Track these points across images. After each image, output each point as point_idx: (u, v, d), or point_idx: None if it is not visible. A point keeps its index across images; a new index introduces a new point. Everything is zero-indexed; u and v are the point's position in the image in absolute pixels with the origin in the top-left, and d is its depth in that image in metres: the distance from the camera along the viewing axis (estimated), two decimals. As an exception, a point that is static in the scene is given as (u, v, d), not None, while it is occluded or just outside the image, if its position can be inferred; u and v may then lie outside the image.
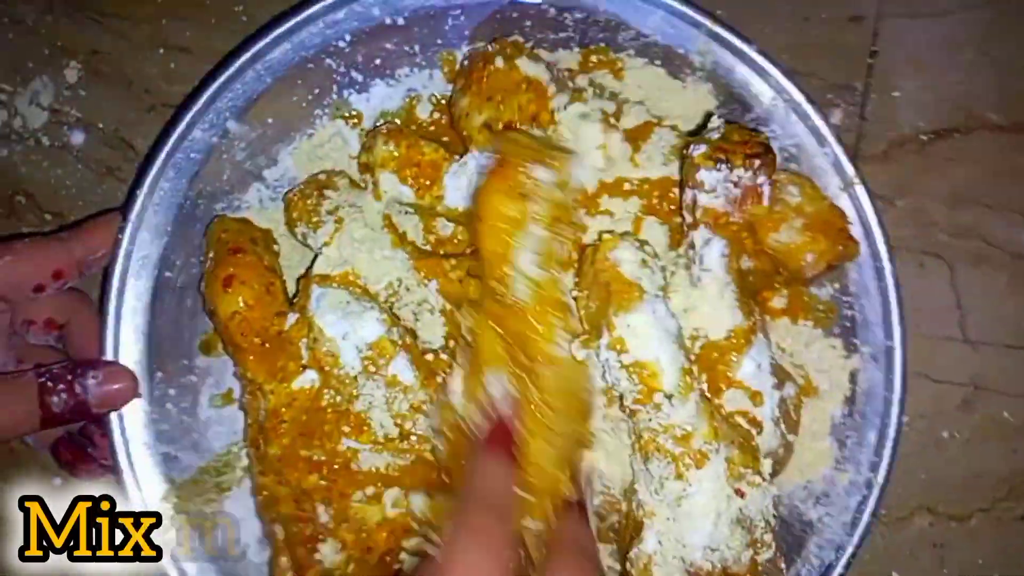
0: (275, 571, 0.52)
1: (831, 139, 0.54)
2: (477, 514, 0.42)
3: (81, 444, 0.54)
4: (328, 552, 0.50)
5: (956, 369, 0.62)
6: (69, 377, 0.49)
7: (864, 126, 0.62)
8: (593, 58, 0.55)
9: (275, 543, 0.52)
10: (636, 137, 0.52)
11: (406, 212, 0.55)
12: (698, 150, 0.48)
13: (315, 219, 0.53)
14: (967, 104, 0.62)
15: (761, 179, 0.48)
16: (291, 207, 0.54)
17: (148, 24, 0.63)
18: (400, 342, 0.51)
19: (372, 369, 0.50)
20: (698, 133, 0.54)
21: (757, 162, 0.48)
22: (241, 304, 0.50)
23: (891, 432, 0.53)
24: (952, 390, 0.62)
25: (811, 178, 0.53)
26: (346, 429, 0.50)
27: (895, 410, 0.53)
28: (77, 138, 0.62)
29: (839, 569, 0.53)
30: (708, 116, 0.54)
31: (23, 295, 0.51)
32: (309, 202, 0.53)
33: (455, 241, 0.55)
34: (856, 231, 0.53)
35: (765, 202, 0.48)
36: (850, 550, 0.53)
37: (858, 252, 0.53)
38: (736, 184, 0.48)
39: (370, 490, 0.50)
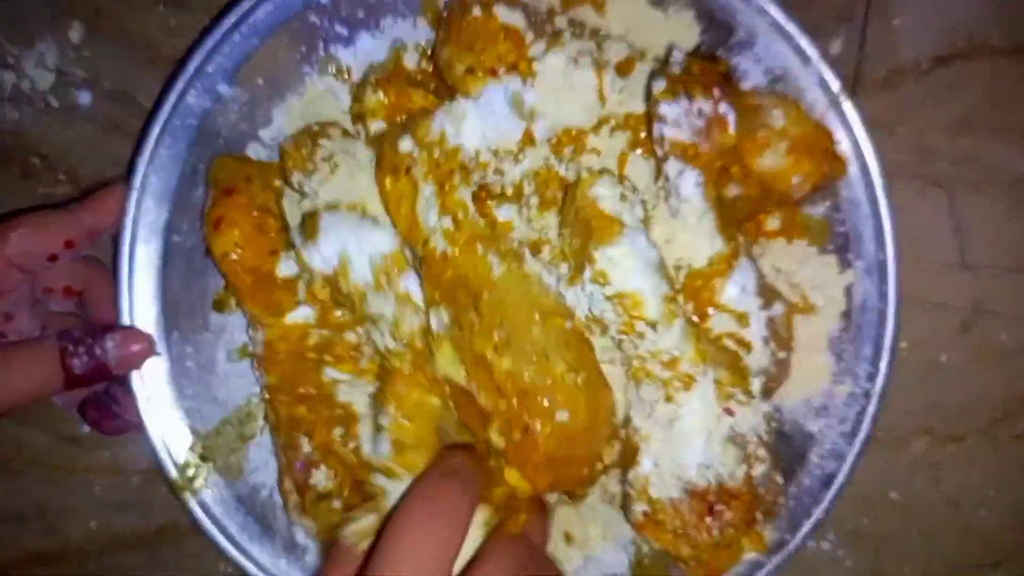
0: (281, 492, 0.56)
1: (816, 58, 0.53)
2: (434, 481, 0.44)
3: (106, 403, 0.57)
4: (320, 478, 0.53)
5: (955, 294, 0.63)
6: (89, 341, 0.52)
7: (864, 55, 0.62)
8: None
9: (280, 466, 0.55)
10: (619, 72, 0.52)
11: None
12: (658, 84, 0.49)
13: (310, 167, 0.54)
14: (968, 29, 0.61)
15: (724, 108, 0.48)
16: (285, 156, 0.55)
17: (145, -20, 0.63)
18: (410, 261, 0.52)
19: (384, 282, 0.51)
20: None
21: (717, 91, 0.48)
22: (231, 245, 0.52)
23: (887, 343, 0.54)
24: (951, 314, 0.63)
25: (796, 100, 0.53)
26: (329, 358, 0.52)
27: (890, 321, 0.54)
28: (84, 98, 0.64)
29: (840, 478, 0.54)
30: (670, 48, 0.53)
31: (38, 265, 0.53)
32: (304, 151, 0.54)
33: None
34: (845, 149, 0.53)
35: (731, 130, 0.48)
36: (850, 459, 0.54)
37: (846, 171, 0.53)
38: (699, 115, 0.48)
39: (340, 430, 0.53)
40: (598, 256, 0.47)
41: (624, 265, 0.47)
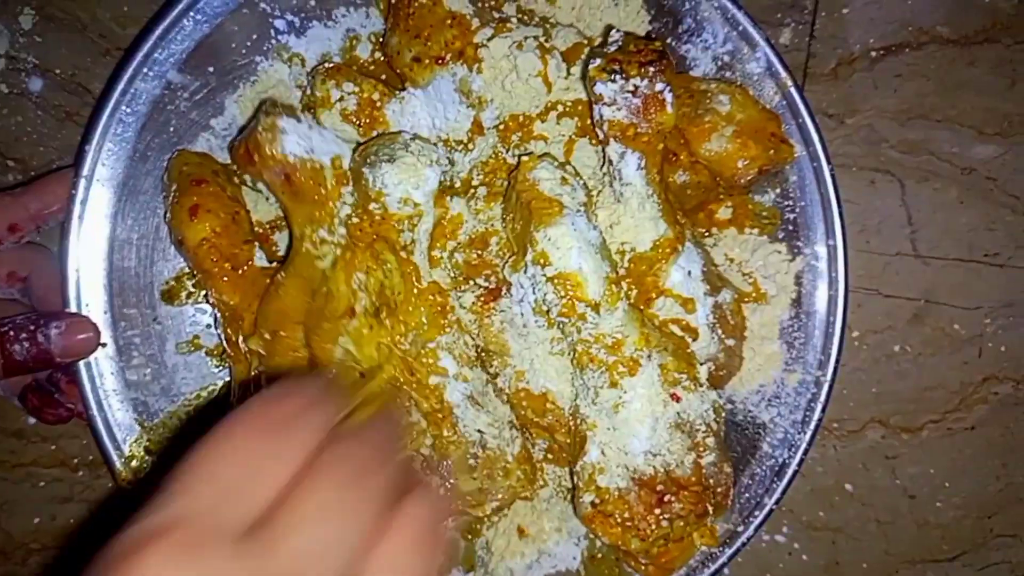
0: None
1: (764, 45, 0.54)
2: (285, 395, 0.32)
3: (48, 391, 0.56)
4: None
5: (907, 284, 0.63)
6: (32, 327, 0.51)
7: (813, 44, 0.62)
8: None
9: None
10: (567, 60, 0.52)
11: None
12: (594, 63, 0.49)
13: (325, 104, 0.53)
14: (916, 19, 0.62)
15: (660, 86, 0.48)
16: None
17: (99, -32, 0.63)
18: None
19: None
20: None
21: (652, 69, 0.48)
22: (209, 231, 0.52)
23: (836, 330, 0.54)
24: (903, 305, 0.63)
25: (744, 86, 0.53)
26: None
27: (839, 308, 0.54)
28: (35, 84, 0.63)
29: (792, 466, 0.54)
30: (608, 29, 0.54)
31: None
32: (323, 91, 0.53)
33: None
34: (793, 134, 0.53)
35: (669, 109, 0.48)
36: (802, 447, 0.54)
37: (792, 155, 0.53)
38: (635, 93, 0.48)
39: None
40: (538, 237, 0.47)
41: (563, 245, 0.47)
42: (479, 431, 0.51)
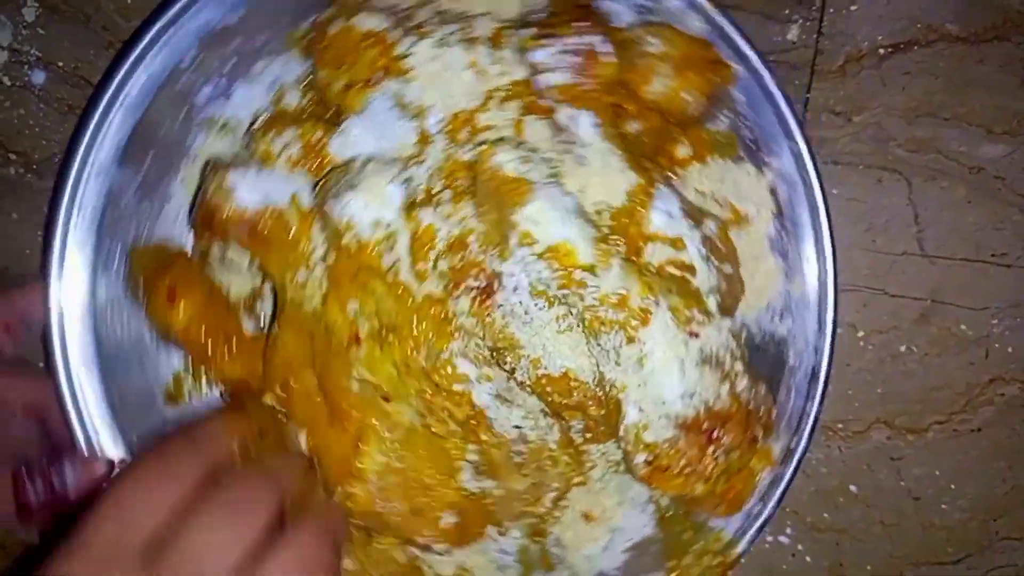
0: None
1: None
2: (171, 441, 0.40)
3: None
4: None
5: (914, 283, 0.62)
6: (45, 468, 0.48)
7: (821, 41, 0.62)
8: None
9: None
10: (493, 44, 0.52)
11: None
12: (524, 33, 0.49)
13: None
14: (926, 16, 0.61)
15: (593, 38, 0.48)
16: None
17: (102, -40, 0.63)
18: None
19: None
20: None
21: (583, 24, 0.48)
22: (192, 310, 0.51)
23: (823, 227, 0.53)
24: (909, 304, 0.62)
25: (668, 23, 0.53)
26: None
27: (820, 202, 0.53)
28: (38, 77, 0.63)
29: (824, 368, 0.53)
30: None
31: None
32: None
33: None
34: (728, 57, 0.53)
35: (608, 60, 0.48)
36: (826, 349, 0.53)
37: (733, 74, 0.53)
38: (572, 52, 0.48)
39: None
40: (517, 219, 0.47)
41: (544, 219, 0.47)
42: (516, 427, 0.51)
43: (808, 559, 0.63)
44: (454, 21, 0.53)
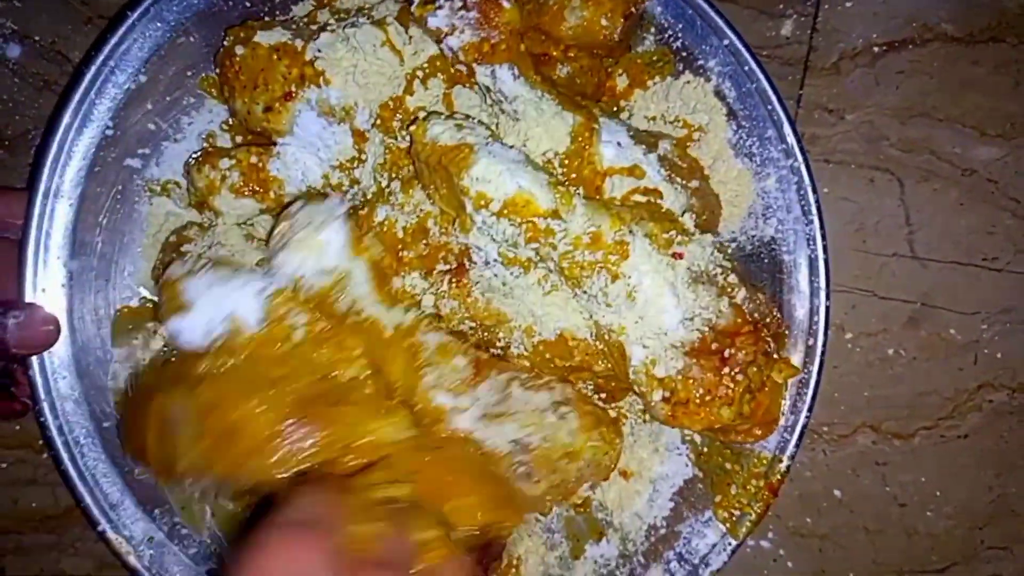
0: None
1: None
2: (276, 530, 0.39)
3: (2, 384, 0.53)
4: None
5: (904, 286, 0.61)
6: None
7: (815, 38, 0.61)
8: None
9: None
10: (401, 23, 0.51)
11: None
12: (416, 3, 0.48)
13: (191, 271, 0.51)
14: (921, 15, 0.61)
15: None
16: (165, 289, 0.51)
17: (84, -66, 0.61)
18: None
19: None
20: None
21: None
22: (202, 446, 0.48)
23: (780, 113, 0.53)
24: (899, 307, 0.61)
25: None
26: None
27: (771, 95, 0.53)
28: (13, 51, 0.61)
29: (820, 256, 0.53)
30: None
31: None
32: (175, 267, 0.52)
33: None
34: None
35: (507, 4, 0.47)
36: (818, 234, 0.53)
37: None
38: (468, 8, 0.47)
39: None
40: (466, 184, 0.45)
41: (493, 175, 0.45)
42: (512, 441, 0.50)
43: (790, 564, 0.62)
44: (356, 13, 0.52)
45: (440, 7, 0.46)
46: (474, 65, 0.48)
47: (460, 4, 0.47)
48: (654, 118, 0.54)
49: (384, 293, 0.50)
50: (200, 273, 0.49)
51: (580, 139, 0.48)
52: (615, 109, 0.54)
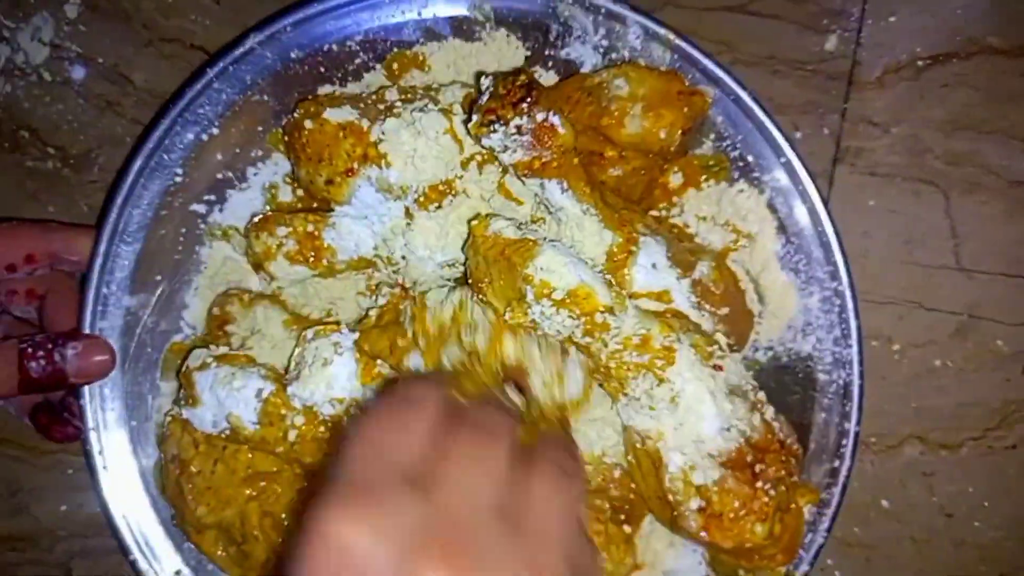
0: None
1: (629, 14, 0.53)
2: (404, 384, 0.41)
3: (57, 409, 0.56)
4: None
5: (950, 298, 0.62)
6: (49, 346, 0.51)
7: (859, 52, 0.61)
8: (395, 65, 0.56)
9: None
10: (464, 110, 0.52)
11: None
12: (473, 121, 0.49)
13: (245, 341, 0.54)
14: (966, 28, 0.61)
15: (541, 116, 0.48)
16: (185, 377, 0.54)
17: (145, -42, 0.64)
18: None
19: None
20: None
21: (525, 105, 0.47)
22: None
23: (830, 236, 0.54)
24: (946, 319, 0.62)
25: (633, 61, 0.54)
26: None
27: (821, 212, 0.54)
28: (78, 73, 0.64)
29: (856, 383, 0.53)
30: (478, 77, 0.54)
31: None
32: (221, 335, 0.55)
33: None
34: (698, 81, 0.53)
35: (561, 131, 0.48)
36: (856, 361, 0.53)
37: (707, 100, 0.53)
38: (522, 132, 0.48)
39: None
40: (531, 272, 0.47)
41: (558, 266, 0.47)
42: None
43: (837, 574, 0.62)
44: (421, 98, 0.53)
45: (495, 131, 0.47)
46: (524, 177, 0.49)
47: (515, 130, 0.47)
48: (704, 218, 0.55)
49: None
50: (209, 368, 0.52)
51: (616, 260, 0.50)
52: (663, 212, 0.56)
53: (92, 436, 0.54)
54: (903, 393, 0.61)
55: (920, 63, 0.61)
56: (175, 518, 0.54)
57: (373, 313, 0.54)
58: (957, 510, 0.62)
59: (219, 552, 0.53)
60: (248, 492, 0.51)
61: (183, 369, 0.53)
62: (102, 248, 0.54)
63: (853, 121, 0.61)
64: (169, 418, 0.54)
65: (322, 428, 0.51)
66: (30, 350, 0.51)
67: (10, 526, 0.64)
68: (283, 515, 0.51)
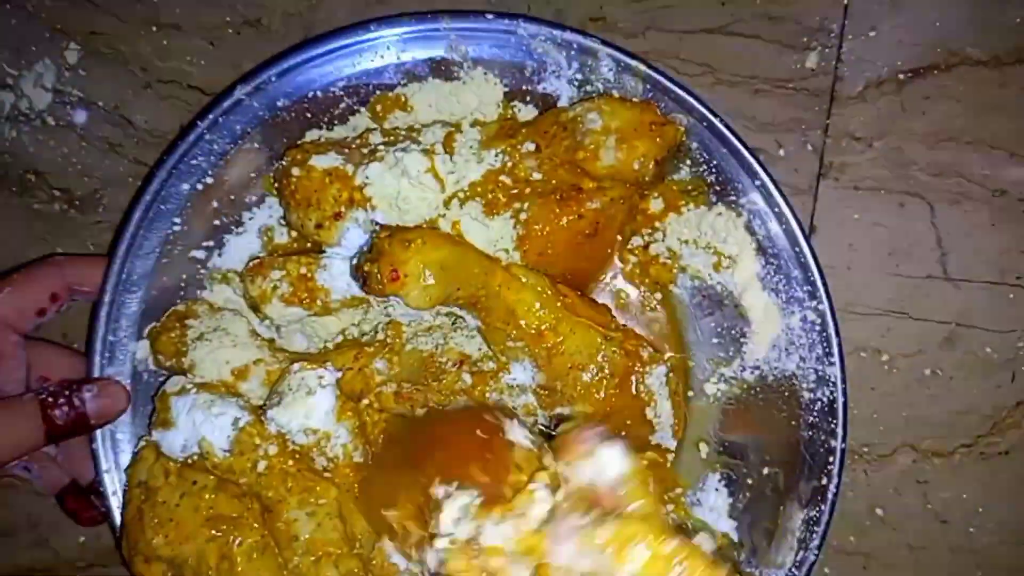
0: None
1: (600, 47, 0.55)
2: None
3: (85, 493, 0.58)
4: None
5: (938, 308, 0.62)
6: (67, 392, 0.53)
7: (840, 68, 0.62)
8: (378, 107, 0.57)
9: None
10: (447, 150, 0.54)
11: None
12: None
13: (182, 348, 0.55)
14: (946, 41, 0.62)
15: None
16: (155, 342, 0.56)
17: (141, 3, 0.65)
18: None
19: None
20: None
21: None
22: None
23: (808, 256, 0.55)
24: (934, 328, 0.62)
25: (607, 93, 0.55)
26: None
27: (799, 236, 0.55)
28: (80, 116, 0.66)
29: (840, 400, 0.54)
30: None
31: (29, 320, 0.55)
32: (173, 335, 0.56)
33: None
34: (670, 108, 0.54)
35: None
36: (838, 378, 0.54)
37: (679, 130, 0.54)
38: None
39: None
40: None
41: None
42: None
43: (835, 582, 0.63)
44: (403, 140, 0.55)
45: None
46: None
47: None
48: (687, 242, 0.57)
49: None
50: (189, 394, 0.54)
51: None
52: (647, 231, 0.58)
53: (106, 478, 0.56)
54: (894, 403, 0.62)
55: (901, 76, 0.62)
56: (119, 542, 0.55)
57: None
58: (952, 516, 0.62)
59: None
60: (210, 532, 0.52)
61: (160, 392, 0.55)
62: (107, 298, 0.56)
63: (836, 136, 0.62)
64: (144, 443, 0.55)
65: (290, 461, 0.52)
66: (51, 399, 0.52)
67: (31, 558, 0.67)
68: (239, 560, 0.52)
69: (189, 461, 0.53)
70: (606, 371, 0.52)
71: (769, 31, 0.62)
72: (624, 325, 0.56)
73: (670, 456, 0.57)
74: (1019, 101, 0.61)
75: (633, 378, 0.54)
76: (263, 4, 0.64)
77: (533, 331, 0.52)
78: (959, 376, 0.62)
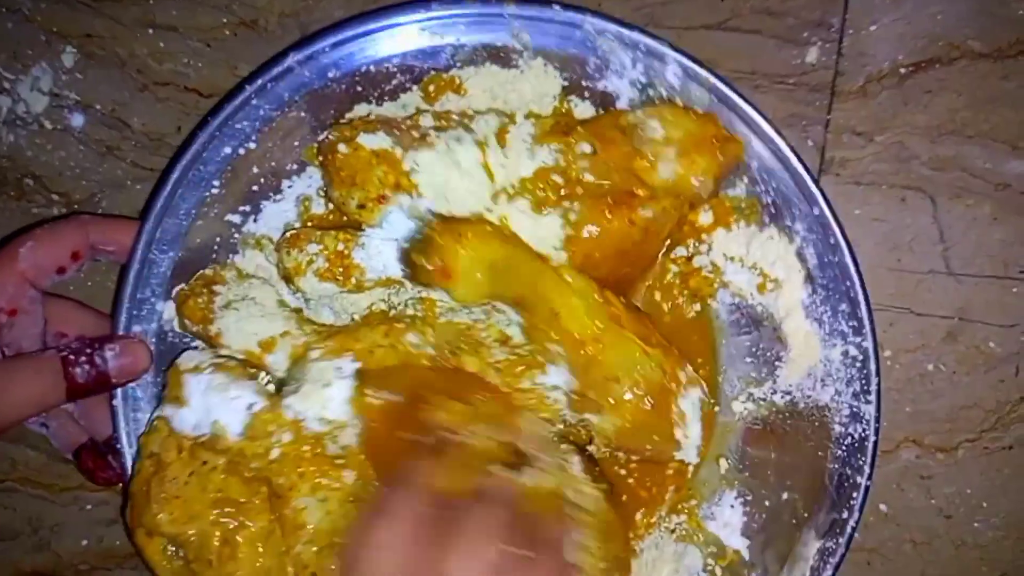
0: None
1: (669, 52, 0.53)
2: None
3: (102, 452, 0.57)
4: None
5: (940, 302, 0.62)
6: (89, 350, 0.53)
7: (841, 63, 0.62)
8: (431, 87, 0.56)
9: None
10: (499, 142, 0.53)
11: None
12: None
13: (209, 316, 0.55)
14: (946, 34, 0.61)
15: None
16: (182, 306, 0.55)
17: (136, 6, 0.65)
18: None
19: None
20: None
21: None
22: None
23: (858, 292, 0.54)
24: (937, 323, 0.62)
25: (670, 99, 0.54)
26: None
27: (852, 270, 0.54)
28: (77, 120, 0.65)
29: (871, 438, 0.54)
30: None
31: (49, 278, 0.54)
32: (200, 300, 0.55)
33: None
34: (734, 124, 0.53)
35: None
36: (872, 417, 0.54)
37: (741, 149, 0.53)
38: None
39: None
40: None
41: None
42: None
43: (839, 578, 0.63)
44: (455, 126, 0.54)
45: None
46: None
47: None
48: (732, 258, 0.56)
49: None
50: (203, 373, 0.53)
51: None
52: (694, 242, 0.57)
53: (124, 438, 0.55)
54: (897, 398, 0.62)
55: (903, 70, 0.62)
56: (124, 510, 0.54)
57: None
58: (956, 512, 0.62)
59: (163, 562, 0.53)
60: (216, 515, 0.51)
61: (172, 366, 0.54)
62: (138, 255, 0.55)
63: (837, 131, 0.62)
64: (158, 415, 0.54)
65: (305, 447, 0.52)
66: (72, 356, 0.52)
67: (34, 562, 0.67)
68: (241, 545, 0.51)
69: (200, 440, 0.52)
70: (640, 388, 0.51)
71: (769, 26, 0.62)
72: (665, 342, 0.54)
73: (689, 469, 0.57)
74: (1021, 94, 0.61)
75: (667, 398, 0.52)
76: (259, 5, 0.64)
77: (576, 338, 0.51)
78: (962, 371, 0.62)
